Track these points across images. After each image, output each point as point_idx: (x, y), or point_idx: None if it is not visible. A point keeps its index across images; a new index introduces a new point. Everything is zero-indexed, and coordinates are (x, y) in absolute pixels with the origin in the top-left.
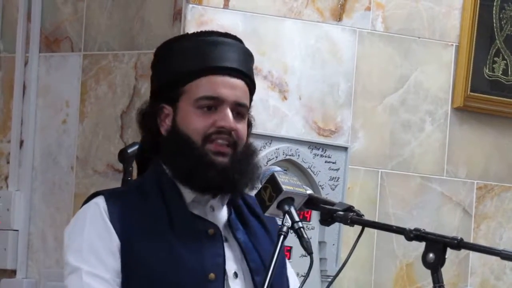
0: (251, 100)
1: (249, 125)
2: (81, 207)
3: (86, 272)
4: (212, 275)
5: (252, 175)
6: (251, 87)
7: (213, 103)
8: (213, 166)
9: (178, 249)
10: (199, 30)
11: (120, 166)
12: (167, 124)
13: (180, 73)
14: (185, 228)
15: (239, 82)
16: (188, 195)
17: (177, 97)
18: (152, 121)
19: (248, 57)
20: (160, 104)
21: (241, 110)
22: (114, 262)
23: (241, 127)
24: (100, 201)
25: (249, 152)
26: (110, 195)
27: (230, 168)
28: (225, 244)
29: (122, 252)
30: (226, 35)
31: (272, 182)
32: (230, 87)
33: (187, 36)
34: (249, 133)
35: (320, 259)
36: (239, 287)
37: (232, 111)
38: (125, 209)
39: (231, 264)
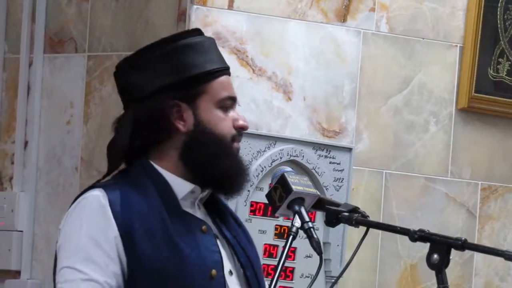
0: None
1: None
2: (75, 200)
3: (80, 272)
4: (214, 271)
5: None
6: None
7: (231, 104)
8: (245, 167)
9: (180, 245)
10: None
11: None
12: (188, 122)
13: (202, 71)
14: (181, 224)
15: None
16: (179, 191)
17: (196, 95)
18: (164, 118)
19: None
20: (173, 100)
21: None
22: (110, 264)
23: None
24: (100, 193)
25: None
26: (107, 187)
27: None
28: (217, 241)
29: (125, 247)
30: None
31: (282, 183)
32: (232, 87)
33: (191, 33)
34: None
35: (325, 260)
36: (235, 284)
37: None
38: (124, 200)
39: (226, 262)
